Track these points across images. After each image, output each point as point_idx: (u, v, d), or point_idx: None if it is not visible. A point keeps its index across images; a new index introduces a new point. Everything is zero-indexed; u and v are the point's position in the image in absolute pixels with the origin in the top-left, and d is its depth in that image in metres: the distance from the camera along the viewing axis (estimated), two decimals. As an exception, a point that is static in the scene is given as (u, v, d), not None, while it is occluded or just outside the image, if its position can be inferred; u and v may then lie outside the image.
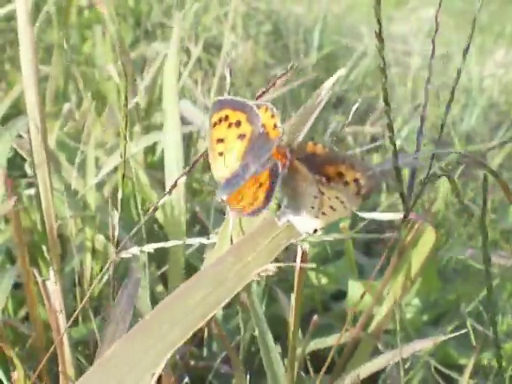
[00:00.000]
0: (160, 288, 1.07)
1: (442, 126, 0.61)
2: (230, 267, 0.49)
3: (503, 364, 0.95)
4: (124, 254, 0.59)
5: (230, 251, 0.51)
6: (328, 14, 3.04)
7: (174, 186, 0.58)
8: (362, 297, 0.83)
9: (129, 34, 2.11)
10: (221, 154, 0.53)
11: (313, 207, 0.50)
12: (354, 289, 1.09)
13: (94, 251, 1.05)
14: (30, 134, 0.73)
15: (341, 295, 1.20)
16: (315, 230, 0.52)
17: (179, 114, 0.96)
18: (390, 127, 0.53)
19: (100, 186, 1.13)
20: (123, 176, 0.59)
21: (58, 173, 1.07)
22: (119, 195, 0.60)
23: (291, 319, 0.63)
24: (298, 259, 0.57)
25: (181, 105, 1.16)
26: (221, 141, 0.53)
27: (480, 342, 0.90)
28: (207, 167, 1.48)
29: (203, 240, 0.58)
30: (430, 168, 0.60)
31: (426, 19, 3.17)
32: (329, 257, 1.20)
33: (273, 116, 0.51)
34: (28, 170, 1.18)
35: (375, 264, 1.32)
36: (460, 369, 1.05)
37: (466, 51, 0.61)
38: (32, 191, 1.10)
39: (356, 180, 0.47)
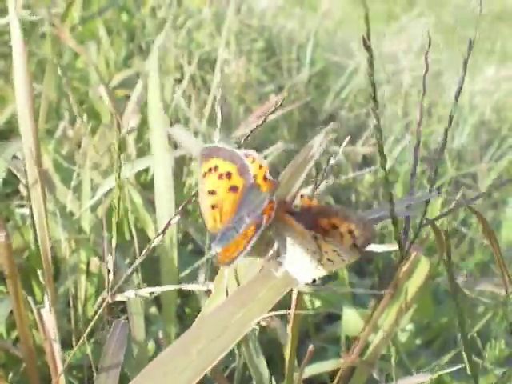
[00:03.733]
0: (153, 310, 1.07)
1: (436, 170, 0.62)
2: (231, 316, 0.49)
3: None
4: (119, 298, 0.59)
5: (230, 300, 0.51)
6: (320, 29, 3.05)
7: (167, 227, 0.59)
8: (360, 326, 0.83)
9: (122, 49, 2.11)
10: (213, 206, 0.53)
11: (311, 260, 0.50)
12: (349, 315, 1.10)
13: (88, 273, 1.05)
14: (24, 156, 0.73)
15: (333, 317, 1.20)
16: (314, 280, 0.52)
17: (167, 138, 0.96)
18: (386, 179, 0.54)
19: (94, 207, 1.13)
20: (118, 211, 0.59)
21: (52, 194, 1.07)
22: (114, 238, 0.60)
23: (287, 354, 0.63)
24: (293, 306, 0.57)
25: (173, 129, 1.17)
26: (212, 193, 0.53)
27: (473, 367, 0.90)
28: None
29: (199, 287, 0.58)
30: (424, 215, 0.60)
31: (416, 36, 3.19)
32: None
33: (261, 166, 0.51)
34: (22, 189, 1.18)
35: (367, 284, 1.33)
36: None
37: (464, 70, 0.61)
38: (25, 210, 1.10)
39: (351, 231, 0.47)
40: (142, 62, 1.88)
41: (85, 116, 1.07)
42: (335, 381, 0.74)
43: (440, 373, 0.77)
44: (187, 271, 1.07)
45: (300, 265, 0.51)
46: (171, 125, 1.28)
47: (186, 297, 1.12)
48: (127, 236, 1.23)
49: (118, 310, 1.05)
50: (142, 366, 0.87)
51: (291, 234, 0.49)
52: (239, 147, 0.60)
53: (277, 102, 0.60)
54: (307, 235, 0.47)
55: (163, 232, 0.58)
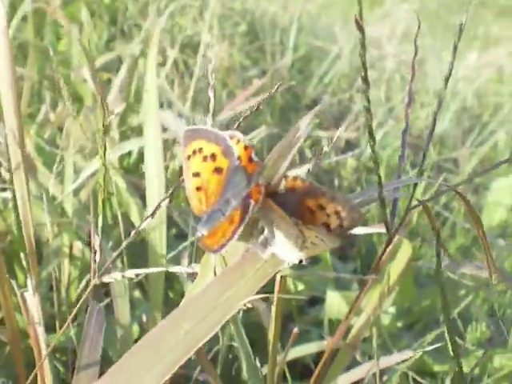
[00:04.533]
0: (137, 293, 1.07)
1: (424, 155, 0.62)
2: (218, 297, 0.49)
3: (476, 372, 0.97)
4: (106, 279, 0.59)
5: (217, 280, 0.51)
6: (303, 13, 3.05)
7: (157, 208, 0.58)
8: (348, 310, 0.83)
9: (104, 32, 2.10)
10: (199, 188, 0.52)
11: (296, 243, 0.49)
12: (332, 298, 1.10)
13: (71, 257, 1.05)
14: (6, 139, 0.72)
15: (316, 300, 1.21)
16: (300, 261, 0.52)
17: (160, 126, 0.96)
18: (375, 161, 0.54)
19: (76, 190, 1.13)
20: (104, 191, 0.59)
21: (34, 178, 1.07)
22: (99, 220, 0.60)
23: (271, 336, 0.64)
24: (277, 288, 0.57)
25: (160, 113, 1.16)
26: (197, 175, 0.52)
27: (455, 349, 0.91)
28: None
29: (186, 269, 0.58)
30: (411, 198, 0.61)
31: (400, 21, 3.19)
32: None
33: (246, 148, 0.51)
34: (3, 173, 1.17)
35: (350, 267, 1.34)
36: (434, 376, 1.06)
37: (453, 57, 0.61)
38: (8, 194, 1.09)
39: (337, 212, 0.47)
40: (124, 46, 1.87)
41: (66, 98, 1.07)
42: (320, 363, 0.75)
43: (421, 351, 0.78)
44: (171, 255, 1.07)
45: (285, 246, 0.51)
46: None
47: (169, 281, 1.12)
48: (110, 220, 1.23)
49: (102, 292, 1.06)
50: (127, 350, 0.88)
51: (275, 217, 0.48)
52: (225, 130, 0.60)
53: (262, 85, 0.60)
54: (289, 221, 0.47)
55: (152, 214, 0.58)
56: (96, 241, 0.59)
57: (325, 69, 2.50)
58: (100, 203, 0.62)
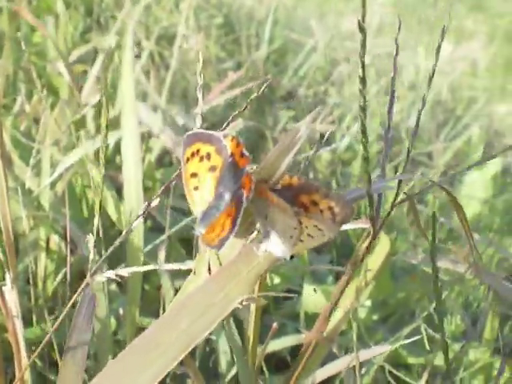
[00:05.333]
0: (113, 287, 1.07)
1: (409, 150, 0.63)
2: (213, 296, 0.50)
3: (453, 365, 0.98)
4: (99, 278, 0.59)
5: (212, 279, 0.51)
6: (279, 6, 3.05)
7: (143, 214, 0.59)
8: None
9: (80, 24, 2.08)
10: (196, 188, 0.54)
11: (291, 236, 0.50)
12: (308, 292, 1.11)
13: (47, 250, 1.05)
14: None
15: (291, 293, 1.22)
16: (292, 256, 0.53)
17: (137, 118, 0.96)
18: (366, 159, 0.54)
19: (53, 183, 1.13)
20: (100, 204, 0.59)
21: (10, 170, 1.07)
22: (95, 222, 0.60)
23: (250, 331, 0.64)
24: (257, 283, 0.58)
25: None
26: (194, 175, 0.54)
27: (431, 343, 0.92)
28: (160, 164, 1.48)
29: (180, 266, 0.59)
30: (397, 193, 0.61)
31: (375, 14, 3.20)
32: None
33: (238, 145, 0.52)
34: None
35: (325, 260, 1.34)
36: (408, 368, 1.07)
37: (438, 50, 0.62)
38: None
39: (330, 208, 0.48)
40: (100, 38, 1.86)
41: (43, 89, 1.06)
42: (298, 357, 0.75)
43: (399, 344, 0.79)
44: (147, 248, 1.07)
45: (280, 242, 0.51)
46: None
47: (146, 273, 1.12)
48: (85, 213, 1.22)
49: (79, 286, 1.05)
50: (104, 343, 0.88)
51: (272, 211, 0.49)
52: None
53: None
54: (289, 210, 0.48)
55: (137, 218, 0.58)
56: (90, 240, 0.59)
57: (300, 61, 2.50)
58: (96, 201, 0.62)
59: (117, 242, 0.58)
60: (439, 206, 1.72)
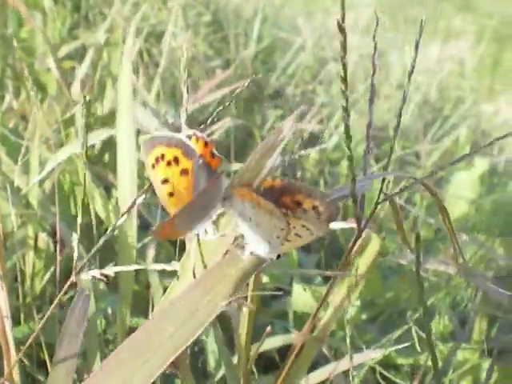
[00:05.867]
0: (101, 285, 1.07)
1: (392, 148, 0.63)
2: (200, 299, 0.49)
3: (439, 365, 0.98)
4: (84, 276, 0.58)
5: (199, 282, 0.51)
6: (267, 5, 3.05)
7: (132, 206, 0.58)
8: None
9: (67, 20, 2.07)
10: (171, 194, 0.53)
11: (278, 237, 0.50)
12: (298, 292, 1.11)
13: (35, 248, 1.04)
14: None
15: (280, 292, 1.22)
16: (278, 256, 0.52)
17: (134, 117, 0.95)
18: (350, 159, 0.54)
19: (41, 181, 1.12)
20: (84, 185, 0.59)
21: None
22: (79, 217, 0.59)
23: (243, 333, 0.64)
24: (251, 285, 0.57)
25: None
26: (166, 181, 0.52)
27: (420, 343, 0.92)
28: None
29: (166, 266, 0.58)
30: (380, 192, 0.61)
31: (363, 13, 3.21)
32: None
33: (206, 145, 0.52)
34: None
35: (313, 260, 1.34)
36: (397, 368, 1.08)
37: (416, 48, 0.62)
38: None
39: (315, 207, 0.47)
40: (88, 34, 1.85)
41: (31, 86, 1.06)
42: (288, 358, 0.75)
43: (391, 349, 0.79)
44: (137, 247, 1.07)
45: (265, 243, 0.51)
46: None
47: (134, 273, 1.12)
48: (74, 211, 1.22)
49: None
50: (93, 343, 0.87)
51: (257, 213, 0.49)
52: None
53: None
54: (276, 212, 0.47)
55: (127, 211, 0.58)
56: (74, 239, 0.59)
57: (288, 60, 2.51)
58: (79, 200, 0.61)
59: (101, 241, 0.57)
60: (426, 206, 1.72)
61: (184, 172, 0.52)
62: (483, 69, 3.86)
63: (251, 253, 0.52)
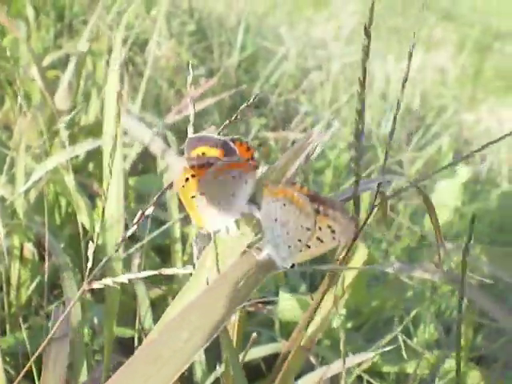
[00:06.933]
0: (88, 296, 1.07)
1: (386, 154, 0.63)
2: (212, 306, 0.50)
3: (425, 372, 0.99)
4: (96, 285, 0.59)
5: (211, 288, 0.51)
6: (249, 14, 3.06)
7: (141, 217, 0.59)
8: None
9: (51, 29, 2.07)
10: (202, 193, 0.53)
11: (300, 240, 0.50)
12: (284, 301, 1.11)
13: (21, 258, 1.04)
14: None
15: (265, 302, 1.22)
16: (293, 265, 0.53)
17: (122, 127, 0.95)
18: (357, 163, 0.55)
19: (26, 191, 1.12)
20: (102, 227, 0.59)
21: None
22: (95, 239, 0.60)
23: (234, 342, 0.64)
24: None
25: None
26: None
27: (405, 351, 0.93)
28: (133, 172, 1.47)
29: (180, 271, 0.59)
30: (375, 197, 0.62)
31: (345, 22, 3.22)
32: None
33: (248, 149, 0.52)
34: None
35: (298, 270, 1.34)
36: (382, 376, 1.08)
37: (410, 57, 0.63)
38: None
39: (330, 227, 0.48)
40: (72, 43, 1.85)
41: (18, 98, 1.05)
42: (275, 366, 0.76)
43: (378, 352, 0.79)
44: (122, 257, 1.07)
45: (285, 247, 0.51)
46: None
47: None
48: (58, 221, 1.22)
49: (53, 295, 1.05)
50: (79, 353, 0.87)
51: (286, 211, 0.49)
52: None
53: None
54: (308, 206, 0.48)
55: (137, 222, 0.58)
56: (90, 248, 0.59)
57: (271, 69, 2.51)
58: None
59: (101, 264, 0.58)
60: (410, 214, 1.73)
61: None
62: (465, 78, 3.89)
63: (268, 255, 0.52)
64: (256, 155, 0.52)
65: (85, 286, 0.60)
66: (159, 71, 2.03)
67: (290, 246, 0.51)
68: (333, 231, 0.49)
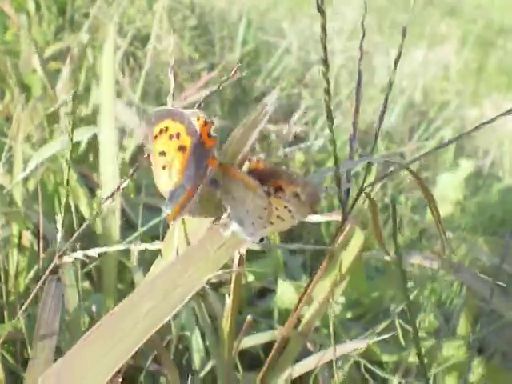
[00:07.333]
0: (86, 284, 1.06)
1: (376, 134, 0.63)
2: (180, 275, 0.49)
3: (425, 361, 0.98)
4: (67, 259, 0.58)
5: (179, 259, 0.51)
6: (251, 9, 3.05)
7: (111, 196, 0.58)
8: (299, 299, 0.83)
9: (52, 23, 2.07)
10: (164, 167, 0.54)
11: (261, 218, 0.50)
12: (283, 288, 1.11)
13: (20, 247, 1.04)
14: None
15: (264, 291, 1.22)
16: (261, 239, 0.53)
17: (115, 115, 0.95)
18: (333, 142, 0.54)
19: (24, 180, 1.12)
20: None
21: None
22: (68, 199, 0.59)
23: (226, 325, 0.64)
24: (236, 263, 0.58)
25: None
26: (163, 154, 0.54)
27: (404, 339, 0.93)
28: (134, 163, 1.47)
29: (149, 246, 0.58)
30: (364, 178, 0.61)
31: (348, 18, 3.22)
32: (254, 253, 1.21)
33: (206, 124, 0.52)
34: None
35: (299, 261, 1.34)
36: (382, 365, 1.08)
37: (397, 60, 0.62)
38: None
39: (296, 194, 0.48)
40: (73, 36, 1.85)
41: (16, 87, 1.06)
42: (271, 352, 0.75)
43: (374, 340, 0.78)
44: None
45: (248, 223, 0.51)
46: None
47: (119, 272, 1.11)
48: (58, 210, 1.21)
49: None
50: (77, 341, 0.87)
51: (242, 190, 0.49)
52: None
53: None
54: (259, 189, 0.48)
55: (107, 199, 0.58)
56: (58, 220, 0.59)
57: (273, 63, 2.51)
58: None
59: (84, 225, 0.57)
60: (411, 207, 1.73)
61: (182, 148, 0.54)
62: (468, 73, 3.88)
63: (233, 232, 0.53)
64: (213, 132, 0.52)
65: (56, 260, 0.59)
66: (160, 65, 2.03)
67: (253, 223, 0.51)
68: (289, 211, 0.49)
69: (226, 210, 0.54)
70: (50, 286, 0.63)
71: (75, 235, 0.58)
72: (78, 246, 0.96)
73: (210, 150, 0.52)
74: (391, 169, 0.67)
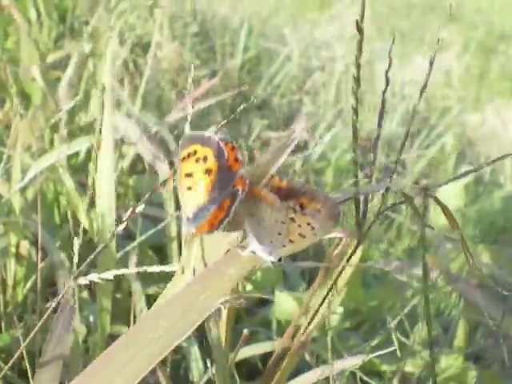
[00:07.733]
0: (85, 294, 1.07)
1: (396, 162, 0.63)
2: (196, 296, 0.50)
3: (423, 373, 0.98)
4: (82, 281, 0.59)
5: (196, 280, 0.52)
6: (253, 15, 3.06)
7: (131, 215, 0.59)
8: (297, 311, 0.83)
9: (53, 30, 2.07)
10: (189, 188, 0.55)
11: (280, 233, 0.51)
12: (281, 299, 1.11)
13: (18, 256, 1.04)
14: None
15: (263, 301, 1.22)
16: (280, 259, 0.53)
17: (113, 125, 0.95)
18: (356, 162, 0.55)
19: (23, 189, 1.12)
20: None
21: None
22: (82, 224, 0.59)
23: (222, 337, 0.64)
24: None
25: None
26: (189, 175, 0.55)
27: (402, 350, 0.92)
28: (132, 171, 1.47)
29: (166, 268, 0.59)
30: (382, 202, 0.61)
31: (349, 24, 3.22)
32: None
33: (233, 149, 0.54)
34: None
35: (299, 270, 1.34)
36: (380, 375, 1.07)
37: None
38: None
39: (318, 210, 0.48)
40: (73, 43, 1.85)
41: (15, 96, 1.06)
42: (269, 363, 0.75)
43: (371, 356, 0.78)
44: (119, 255, 1.07)
45: (267, 241, 0.52)
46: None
47: (117, 281, 1.12)
48: (57, 220, 1.22)
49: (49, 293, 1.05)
50: (74, 351, 0.87)
51: (260, 206, 0.50)
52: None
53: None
54: (277, 202, 0.48)
55: (126, 220, 0.58)
56: (75, 243, 0.59)
57: (274, 70, 2.52)
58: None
59: (94, 254, 0.58)
60: (412, 215, 1.73)
61: (208, 171, 0.55)
62: (469, 79, 3.88)
63: (252, 252, 0.53)
64: (240, 155, 0.54)
65: (71, 283, 0.60)
66: (161, 73, 2.03)
67: (271, 241, 0.52)
68: (312, 228, 0.49)
69: (244, 230, 0.55)
70: (63, 310, 0.63)
71: (89, 259, 0.58)
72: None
73: (236, 172, 0.53)
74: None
